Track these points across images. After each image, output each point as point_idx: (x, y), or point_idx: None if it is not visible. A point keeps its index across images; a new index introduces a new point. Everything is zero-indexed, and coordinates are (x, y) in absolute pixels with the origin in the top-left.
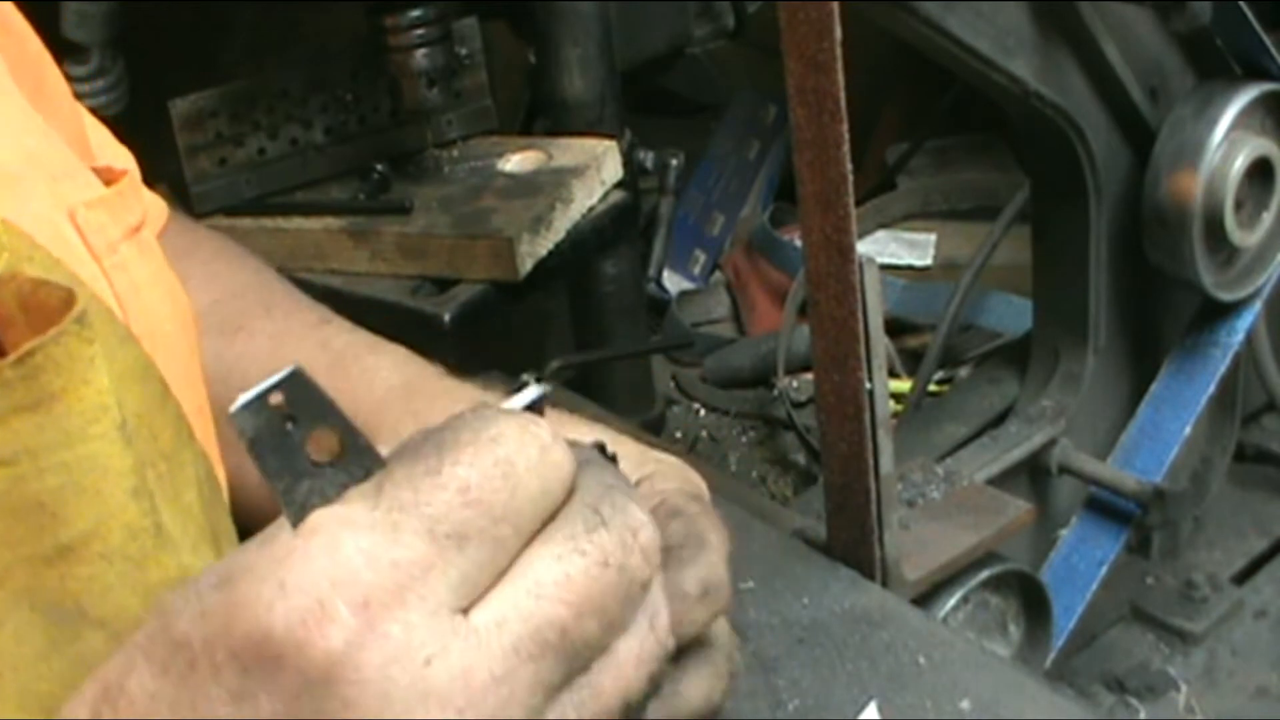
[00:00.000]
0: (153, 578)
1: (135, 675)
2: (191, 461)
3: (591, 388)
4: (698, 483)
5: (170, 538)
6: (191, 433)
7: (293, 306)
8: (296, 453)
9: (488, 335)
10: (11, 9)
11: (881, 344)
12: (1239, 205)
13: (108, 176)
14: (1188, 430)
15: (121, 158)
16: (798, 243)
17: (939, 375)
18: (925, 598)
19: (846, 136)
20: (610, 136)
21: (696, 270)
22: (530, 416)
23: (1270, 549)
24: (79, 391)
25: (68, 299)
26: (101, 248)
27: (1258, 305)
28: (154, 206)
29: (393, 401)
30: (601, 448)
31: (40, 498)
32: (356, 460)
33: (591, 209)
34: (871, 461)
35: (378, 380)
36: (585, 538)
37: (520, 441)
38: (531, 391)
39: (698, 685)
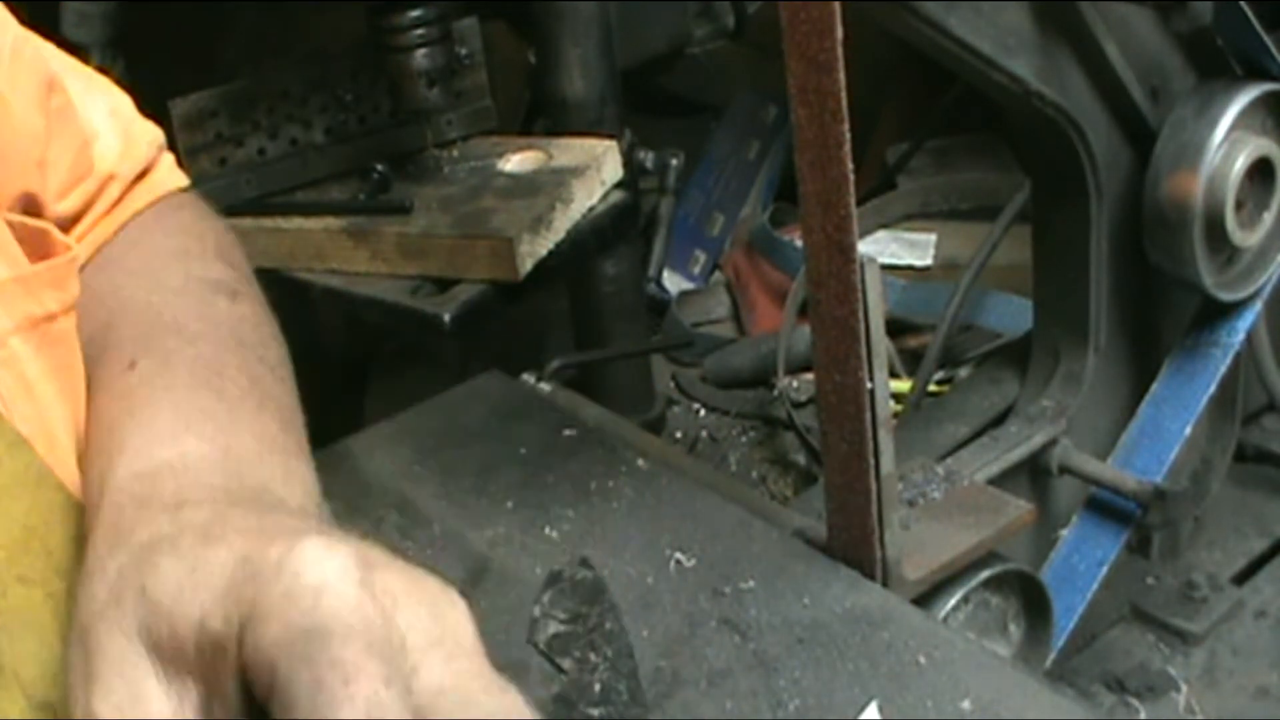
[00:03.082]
0: None
1: None
2: None
3: (591, 388)
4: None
5: (16, 677)
6: None
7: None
8: None
9: (488, 335)
10: None
11: (882, 344)
12: (1239, 205)
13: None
14: (1188, 430)
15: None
16: (798, 243)
17: (939, 375)
18: (925, 598)
19: (848, 136)
20: (610, 136)
21: (696, 270)
22: None
23: (1270, 549)
24: None
25: None
26: None
27: (1258, 305)
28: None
29: None
30: None
31: None
32: None
33: (591, 209)
34: (872, 461)
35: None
36: None
37: None
38: None
39: None
